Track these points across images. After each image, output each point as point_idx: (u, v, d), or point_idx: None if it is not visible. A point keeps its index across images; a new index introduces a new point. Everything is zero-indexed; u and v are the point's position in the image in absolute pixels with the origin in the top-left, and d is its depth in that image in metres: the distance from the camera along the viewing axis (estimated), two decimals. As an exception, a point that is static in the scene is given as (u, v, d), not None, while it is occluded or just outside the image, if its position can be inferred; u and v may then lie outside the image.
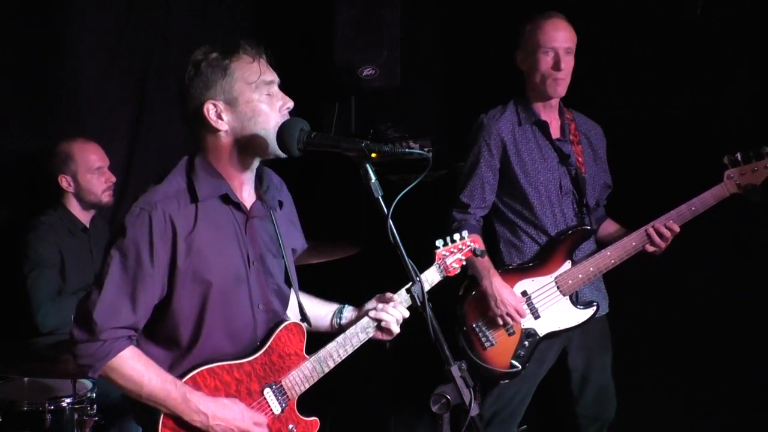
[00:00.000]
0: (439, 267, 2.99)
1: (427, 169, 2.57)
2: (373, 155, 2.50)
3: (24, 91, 4.29)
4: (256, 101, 2.61)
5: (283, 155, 2.65)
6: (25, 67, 4.27)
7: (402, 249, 2.49)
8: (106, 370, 2.57)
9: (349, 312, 2.95)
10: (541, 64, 3.70)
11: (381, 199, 2.49)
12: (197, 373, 2.63)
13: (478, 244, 3.11)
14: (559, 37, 3.69)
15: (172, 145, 4.54)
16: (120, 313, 2.54)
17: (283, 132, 2.58)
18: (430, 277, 2.97)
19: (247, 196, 2.72)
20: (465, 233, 3.08)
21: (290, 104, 2.65)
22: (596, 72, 4.56)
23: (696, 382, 4.51)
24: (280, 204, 2.82)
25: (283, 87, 2.70)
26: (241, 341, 2.72)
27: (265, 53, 2.67)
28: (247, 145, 2.64)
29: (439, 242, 3.02)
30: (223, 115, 2.62)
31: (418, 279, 2.56)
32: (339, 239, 4.41)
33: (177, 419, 2.61)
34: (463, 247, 3.05)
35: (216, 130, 2.63)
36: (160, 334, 2.67)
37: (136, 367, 2.57)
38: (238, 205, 2.68)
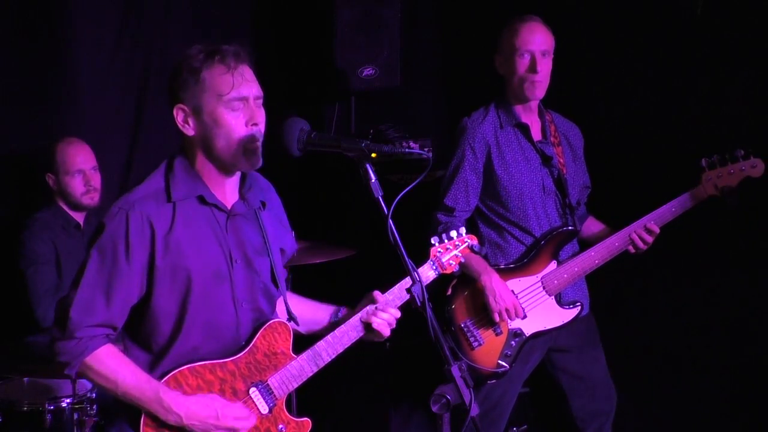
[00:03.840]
0: (433, 264, 2.96)
1: (427, 169, 2.57)
2: (373, 155, 2.50)
3: (24, 91, 4.29)
4: (219, 114, 2.59)
5: (246, 171, 2.66)
6: (25, 68, 4.27)
7: (402, 249, 2.49)
8: (82, 368, 2.60)
9: (343, 314, 2.92)
10: (518, 68, 3.73)
11: (381, 199, 2.49)
12: (178, 372, 2.63)
13: (475, 241, 3.07)
14: (535, 40, 3.72)
15: (172, 145, 4.51)
16: (94, 310, 2.57)
17: (283, 132, 2.57)
18: (424, 274, 2.93)
19: (228, 194, 2.71)
20: (463, 230, 3.06)
21: (258, 120, 2.61)
22: (593, 72, 4.58)
23: (684, 379, 4.55)
24: (264, 204, 2.80)
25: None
26: (224, 340, 2.71)
27: (250, 62, 2.64)
28: (212, 155, 2.65)
29: (434, 240, 2.99)
30: (190, 121, 2.63)
31: (418, 279, 2.56)
32: (338, 239, 4.41)
33: (158, 419, 2.61)
34: (460, 244, 3.02)
35: (186, 134, 2.65)
36: (141, 334, 2.68)
37: (111, 365, 2.59)
38: (216, 205, 2.68)
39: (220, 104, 2.59)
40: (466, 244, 3.04)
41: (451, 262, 3.00)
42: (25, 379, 3.79)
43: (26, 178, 4.34)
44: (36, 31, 4.27)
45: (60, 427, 3.57)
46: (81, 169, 4.13)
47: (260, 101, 2.65)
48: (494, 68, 3.84)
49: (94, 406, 3.61)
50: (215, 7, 4.84)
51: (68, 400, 3.59)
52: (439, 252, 2.98)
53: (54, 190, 4.17)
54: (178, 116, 2.64)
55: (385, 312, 2.80)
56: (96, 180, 4.17)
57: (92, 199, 4.17)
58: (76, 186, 4.14)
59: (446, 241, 3.01)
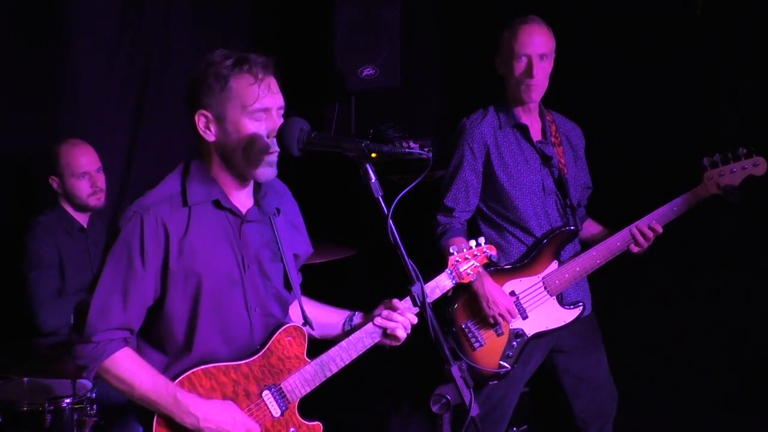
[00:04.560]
0: (451, 273, 2.96)
1: (427, 169, 2.57)
2: (373, 155, 2.50)
3: (24, 92, 4.29)
4: (242, 123, 2.61)
5: (261, 180, 2.68)
6: (25, 68, 4.27)
7: (402, 249, 2.49)
8: (100, 371, 2.62)
9: (358, 318, 2.93)
10: (515, 71, 3.73)
11: (381, 199, 2.49)
12: (192, 373, 2.65)
13: (494, 251, 3.07)
14: (533, 43, 3.70)
15: (171, 146, 4.54)
16: (111, 314, 2.59)
17: (283, 132, 2.58)
18: (442, 283, 2.94)
19: (243, 200, 2.73)
20: (482, 240, 3.05)
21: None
22: (591, 72, 4.58)
23: (686, 379, 4.55)
24: (278, 210, 2.82)
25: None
26: (237, 344, 2.73)
27: (276, 73, 2.65)
28: (231, 162, 2.66)
29: (453, 248, 2.99)
30: (211, 127, 2.64)
31: (418, 279, 2.56)
32: (339, 239, 4.41)
33: (171, 420, 2.62)
34: (479, 254, 3.01)
35: (205, 139, 2.65)
36: (156, 336, 2.70)
37: (129, 369, 2.61)
38: (231, 210, 2.70)
39: (244, 114, 2.60)
40: (485, 254, 3.03)
41: (469, 271, 2.99)
42: (25, 379, 3.78)
43: (27, 179, 4.34)
44: (36, 31, 4.27)
45: (60, 427, 3.57)
46: (87, 170, 4.13)
47: (282, 112, 2.67)
48: (494, 68, 3.84)
49: (94, 406, 3.61)
50: (216, 7, 4.84)
51: (68, 400, 3.59)
52: (457, 261, 2.98)
53: (59, 193, 4.15)
54: (200, 122, 2.64)
55: (402, 315, 2.80)
56: (101, 181, 4.18)
57: (99, 200, 4.17)
58: (83, 188, 4.13)
59: (465, 250, 3.00)
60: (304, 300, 2.95)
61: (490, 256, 3.05)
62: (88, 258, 4.13)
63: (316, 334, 2.92)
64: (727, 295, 4.44)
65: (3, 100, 4.24)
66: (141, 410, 2.67)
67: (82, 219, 4.22)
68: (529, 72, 3.70)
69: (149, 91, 4.60)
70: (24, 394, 3.71)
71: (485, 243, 3.05)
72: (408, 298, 2.80)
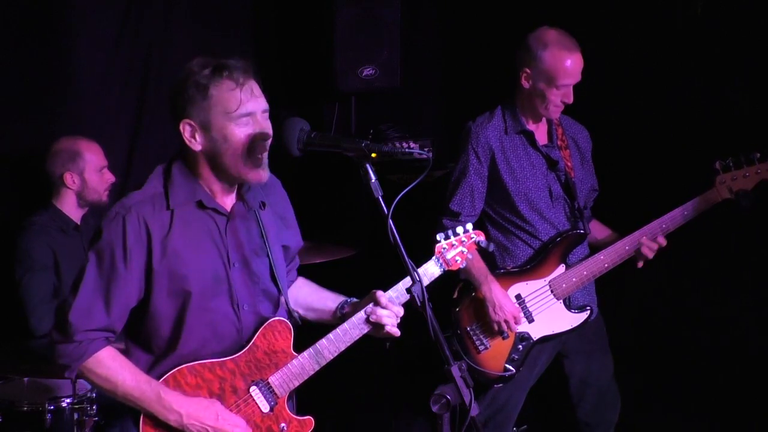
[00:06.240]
0: (438, 260, 2.94)
1: (427, 169, 2.57)
2: (373, 155, 2.51)
3: (24, 91, 4.29)
4: (228, 130, 2.60)
5: (254, 184, 2.68)
6: (25, 67, 4.27)
7: (402, 249, 2.49)
8: (82, 370, 2.63)
9: (350, 306, 2.91)
10: (552, 95, 3.66)
11: (381, 199, 2.49)
12: (177, 371, 2.66)
13: (482, 236, 3.05)
14: (577, 73, 3.66)
15: (171, 145, 4.51)
16: (93, 315, 2.60)
17: (283, 132, 2.58)
18: (429, 271, 2.93)
19: (227, 197, 2.73)
20: (469, 226, 3.04)
21: (267, 133, 2.63)
22: (592, 72, 4.56)
23: (687, 380, 4.54)
24: (263, 204, 2.81)
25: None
26: (225, 343, 2.73)
27: (256, 76, 2.65)
28: (219, 168, 2.66)
29: (439, 236, 2.97)
30: (197, 136, 2.64)
31: (418, 279, 2.56)
32: (338, 239, 4.41)
33: (156, 419, 2.63)
34: (466, 240, 3.00)
35: (192, 149, 2.66)
36: (142, 336, 2.70)
37: (111, 367, 2.62)
38: (215, 209, 2.70)
39: (229, 120, 2.60)
40: (473, 240, 3.02)
41: (456, 258, 2.97)
42: (25, 379, 3.79)
43: (27, 178, 4.33)
44: (36, 31, 4.27)
45: (60, 427, 3.57)
46: (104, 165, 4.17)
47: (266, 114, 2.66)
48: (514, 71, 3.75)
49: (94, 406, 3.61)
50: (216, 7, 4.84)
51: (68, 400, 3.59)
52: (444, 248, 2.96)
53: (69, 189, 4.13)
54: (185, 131, 2.65)
55: (386, 309, 2.78)
56: (112, 178, 4.22)
57: (108, 195, 4.19)
58: (101, 183, 4.16)
59: (452, 237, 2.98)
60: (305, 282, 2.97)
61: (479, 241, 3.03)
62: (84, 256, 4.11)
63: (310, 317, 2.93)
64: (729, 297, 4.42)
65: (3, 100, 4.24)
66: (132, 412, 2.67)
67: (77, 217, 4.21)
68: (567, 98, 3.66)
69: (149, 90, 4.60)
70: (24, 394, 3.71)
71: (473, 229, 3.03)
72: (394, 287, 2.80)
